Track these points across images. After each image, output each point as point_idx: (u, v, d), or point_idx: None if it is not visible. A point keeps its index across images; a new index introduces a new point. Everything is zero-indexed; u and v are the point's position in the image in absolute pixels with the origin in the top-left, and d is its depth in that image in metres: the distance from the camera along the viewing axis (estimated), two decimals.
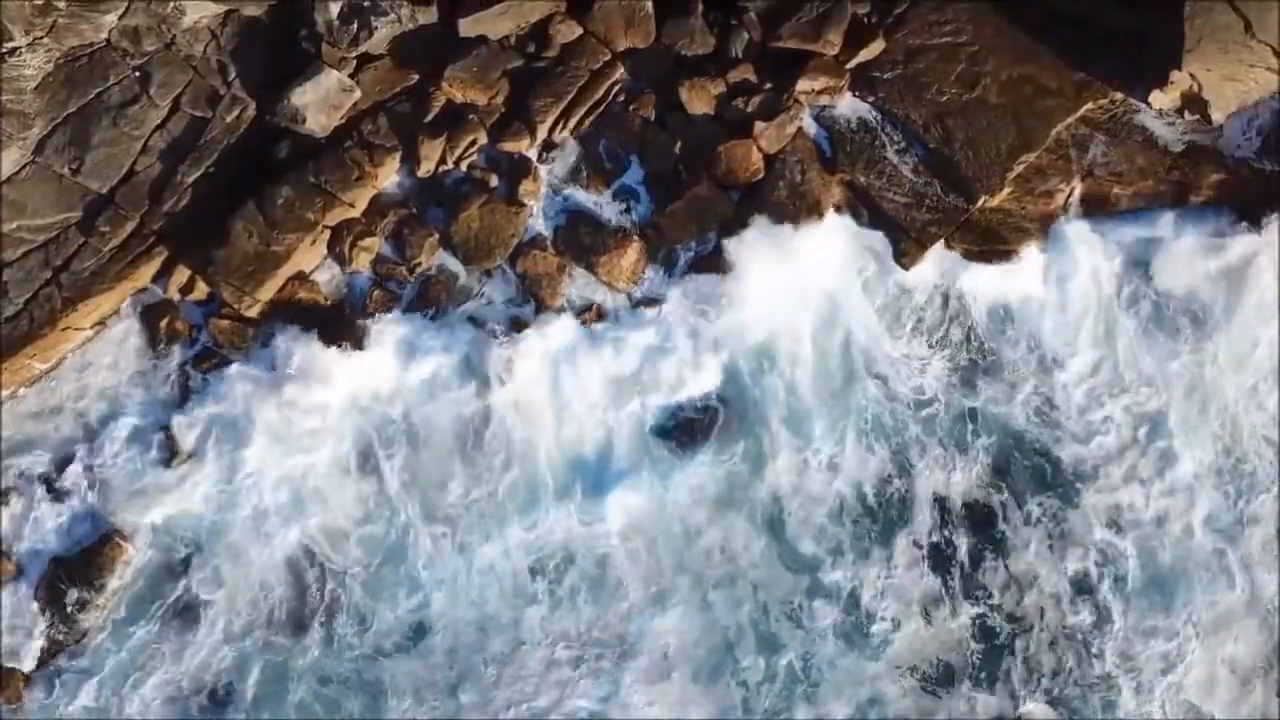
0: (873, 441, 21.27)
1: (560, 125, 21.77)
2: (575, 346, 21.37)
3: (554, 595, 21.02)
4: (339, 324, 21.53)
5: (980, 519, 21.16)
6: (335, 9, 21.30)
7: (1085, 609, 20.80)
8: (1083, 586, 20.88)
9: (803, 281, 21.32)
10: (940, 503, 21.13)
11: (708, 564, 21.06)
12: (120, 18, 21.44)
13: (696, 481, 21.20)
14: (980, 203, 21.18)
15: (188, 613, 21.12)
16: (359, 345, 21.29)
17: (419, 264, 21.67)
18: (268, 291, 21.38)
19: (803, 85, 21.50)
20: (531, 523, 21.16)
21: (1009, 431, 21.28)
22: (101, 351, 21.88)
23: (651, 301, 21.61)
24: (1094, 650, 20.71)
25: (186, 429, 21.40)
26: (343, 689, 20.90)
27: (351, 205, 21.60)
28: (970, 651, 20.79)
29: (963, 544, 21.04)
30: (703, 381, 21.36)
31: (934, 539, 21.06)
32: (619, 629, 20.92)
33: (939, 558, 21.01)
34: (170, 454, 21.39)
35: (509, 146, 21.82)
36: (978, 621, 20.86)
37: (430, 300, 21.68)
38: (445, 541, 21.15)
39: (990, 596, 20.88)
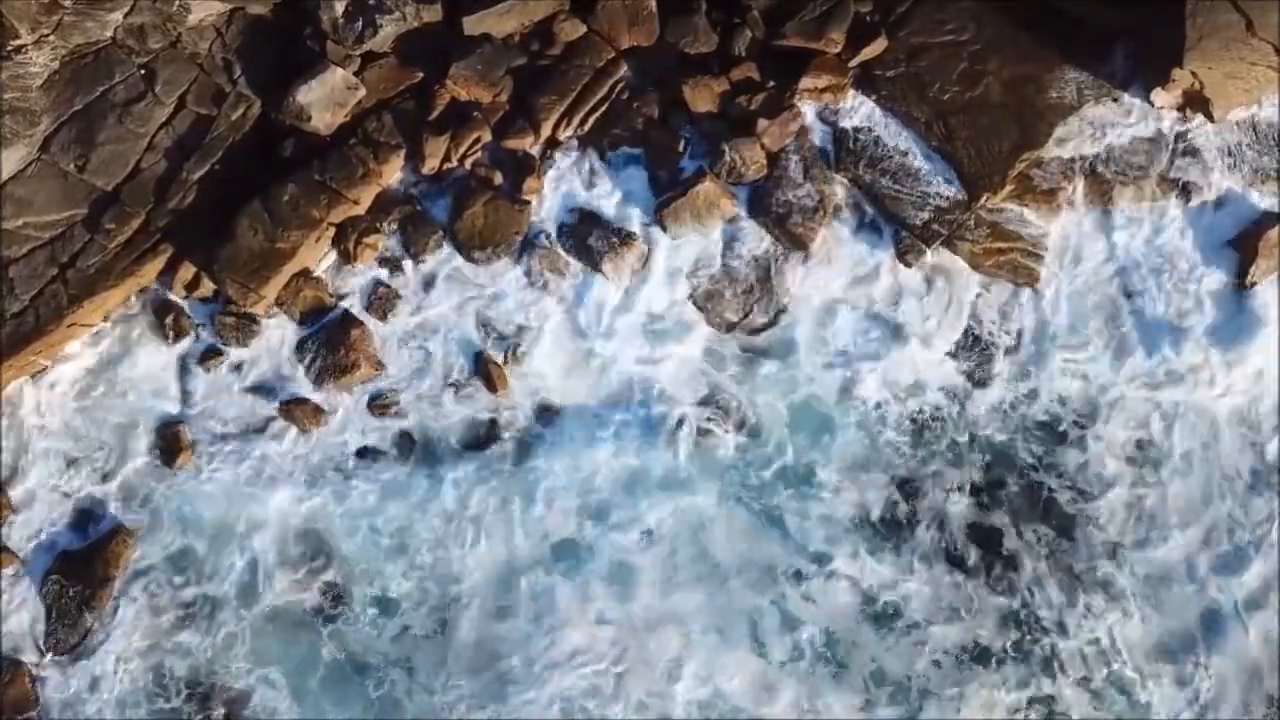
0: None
1: (564, 123, 21.84)
2: None
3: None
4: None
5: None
6: (340, 7, 21.37)
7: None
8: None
9: None
10: None
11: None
12: (126, 15, 21.51)
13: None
14: (983, 200, 21.24)
15: (192, 608, 21.20)
16: None
17: (424, 261, 21.81)
18: (273, 289, 21.44)
19: (806, 83, 21.56)
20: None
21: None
22: (105, 348, 21.94)
23: None
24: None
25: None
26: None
27: (356, 202, 21.65)
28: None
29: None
30: None
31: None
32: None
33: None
34: (174, 450, 21.46)
35: (513, 144, 21.89)
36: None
37: None
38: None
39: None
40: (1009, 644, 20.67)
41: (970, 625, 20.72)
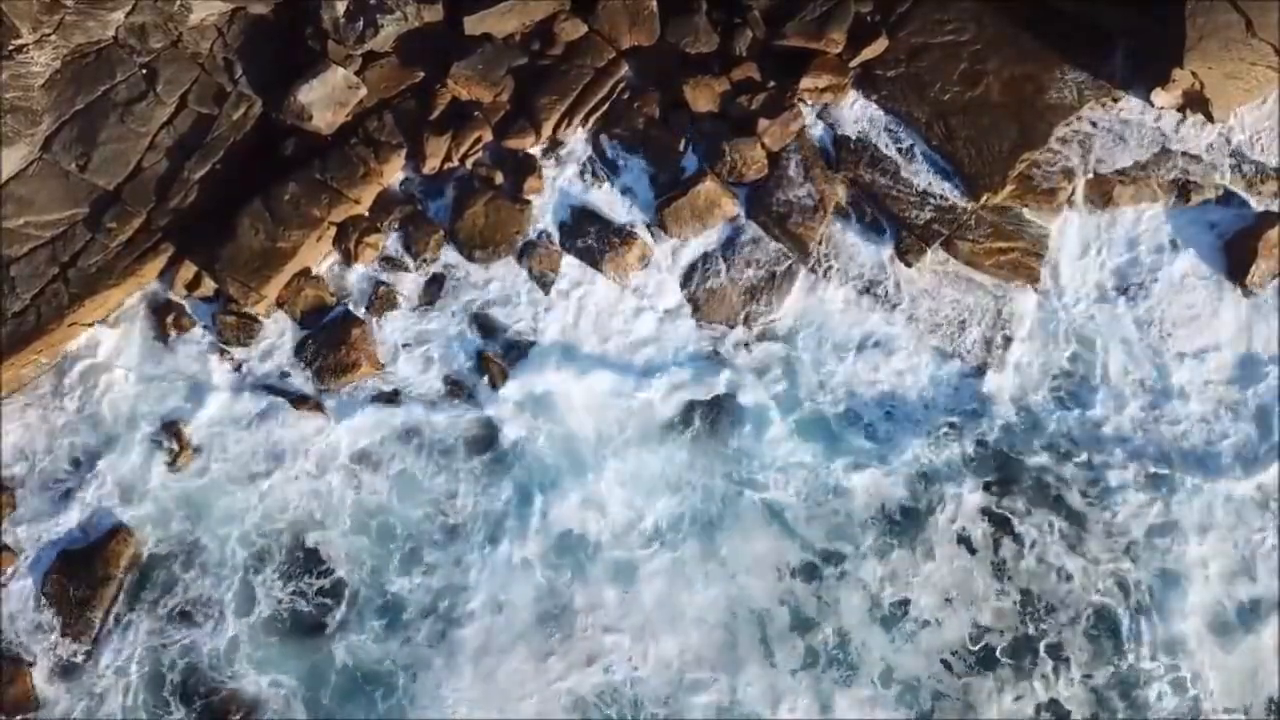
0: None
1: (565, 123, 21.88)
2: None
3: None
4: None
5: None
6: (341, 7, 21.44)
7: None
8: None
9: None
10: None
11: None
12: (127, 15, 21.61)
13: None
14: (983, 200, 21.26)
15: (193, 608, 21.16)
16: None
17: (425, 260, 21.83)
18: (274, 288, 21.47)
19: (806, 83, 21.63)
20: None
21: None
22: (106, 347, 21.95)
23: None
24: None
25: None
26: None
27: (357, 202, 21.69)
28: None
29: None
30: None
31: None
32: None
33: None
34: (176, 450, 21.48)
35: (514, 144, 21.94)
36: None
37: None
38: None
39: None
40: (1016, 645, 20.60)
41: (978, 623, 20.68)
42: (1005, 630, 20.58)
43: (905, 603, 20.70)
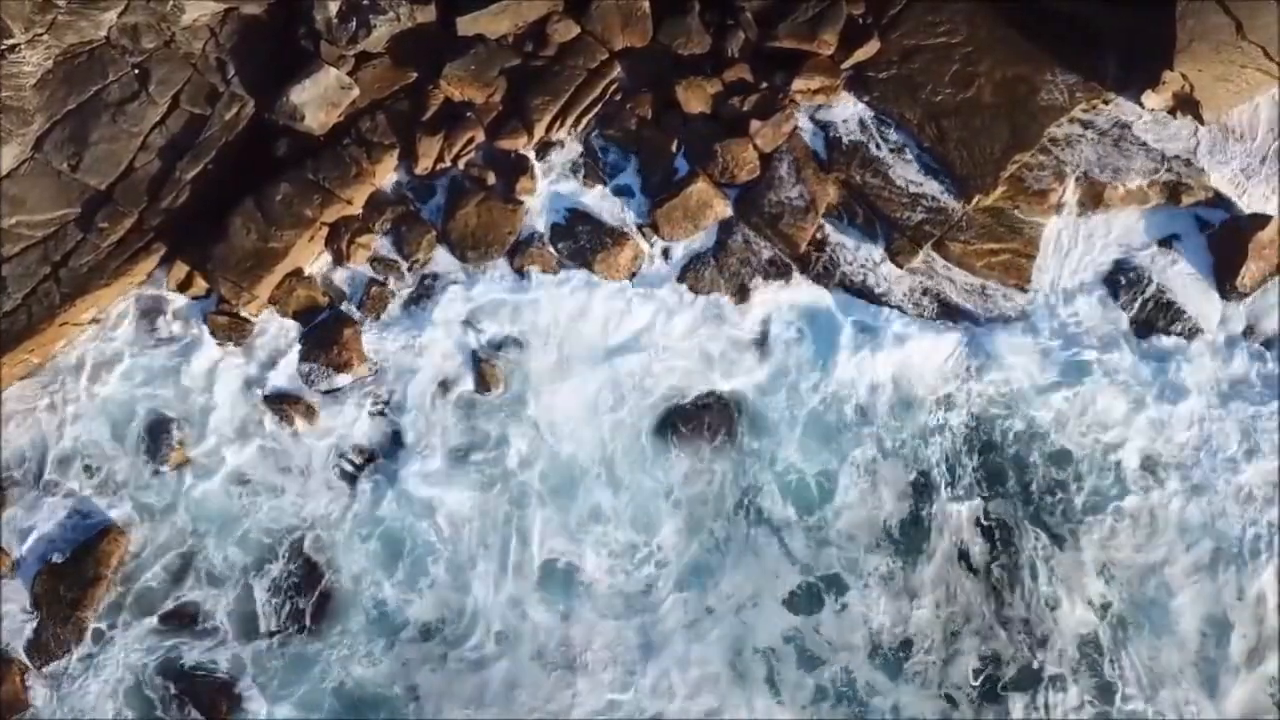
0: None
1: (558, 124, 21.90)
2: None
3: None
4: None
5: None
6: (334, 7, 21.46)
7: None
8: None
9: None
10: None
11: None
12: (120, 15, 21.61)
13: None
14: (974, 202, 21.32)
15: (185, 608, 21.12)
16: None
17: (417, 261, 21.82)
18: (266, 288, 21.47)
19: (799, 85, 21.65)
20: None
21: None
22: (99, 347, 21.92)
23: None
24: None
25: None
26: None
27: (349, 202, 21.70)
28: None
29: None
30: None
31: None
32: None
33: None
34: (169, 451, 21.44)
35: (506, 145, 21.95)
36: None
37: None
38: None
39: None
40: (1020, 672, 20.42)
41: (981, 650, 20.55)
42: (1007, 660, 20.40)
43: (908, 642, 20.49)
